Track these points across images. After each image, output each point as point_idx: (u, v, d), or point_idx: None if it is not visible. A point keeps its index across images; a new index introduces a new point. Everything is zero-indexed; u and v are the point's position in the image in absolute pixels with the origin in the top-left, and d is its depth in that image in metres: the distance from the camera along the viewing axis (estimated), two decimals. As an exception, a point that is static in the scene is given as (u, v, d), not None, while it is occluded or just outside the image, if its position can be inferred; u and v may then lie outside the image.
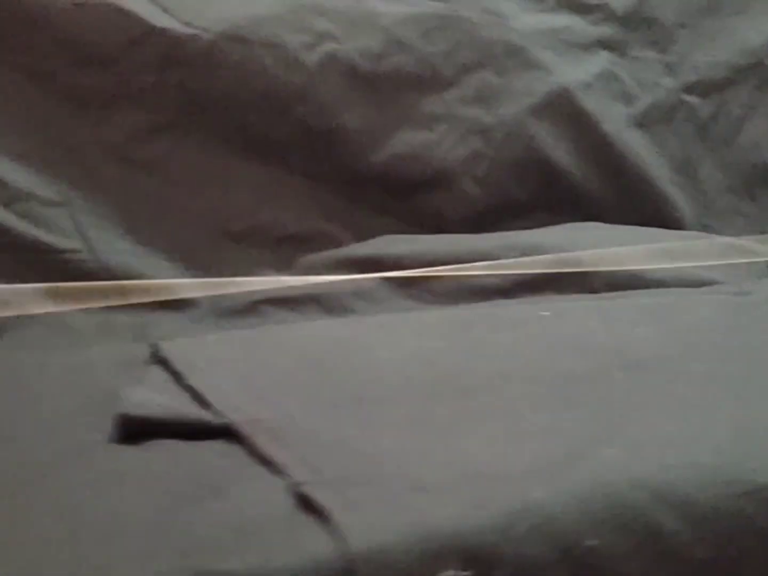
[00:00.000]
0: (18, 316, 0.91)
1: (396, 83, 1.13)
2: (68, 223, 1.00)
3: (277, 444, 0.48)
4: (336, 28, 1.11)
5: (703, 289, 0.98)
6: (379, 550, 0.37)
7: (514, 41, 1.20)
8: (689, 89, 1.27)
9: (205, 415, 0.55)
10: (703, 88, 1.28)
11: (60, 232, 0.99)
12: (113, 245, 1.01)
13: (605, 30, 1.29)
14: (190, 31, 1.05)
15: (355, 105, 1.11)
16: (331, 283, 1.02)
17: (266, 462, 0.47)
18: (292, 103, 1.09)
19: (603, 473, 0.43)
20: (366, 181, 1.12)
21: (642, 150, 1.24)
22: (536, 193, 1.17)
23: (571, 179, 1.18)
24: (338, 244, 1.09)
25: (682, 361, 0.61)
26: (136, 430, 0.53)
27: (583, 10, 1.28)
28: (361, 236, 1.10)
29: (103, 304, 0.94)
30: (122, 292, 0.97)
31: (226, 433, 0.53)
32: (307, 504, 0.41)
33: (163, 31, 1.03)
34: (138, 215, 1.04)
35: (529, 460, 0.44)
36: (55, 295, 0.95)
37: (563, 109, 1.19)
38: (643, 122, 1.26)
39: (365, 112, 1.12)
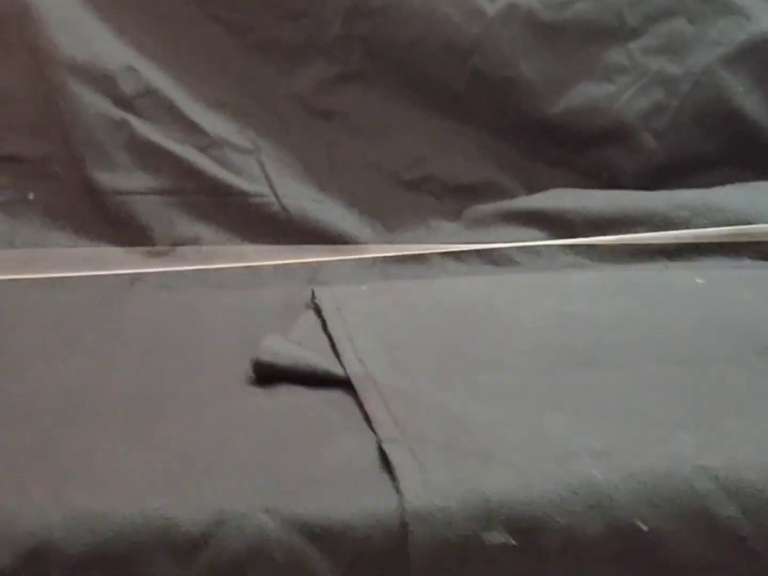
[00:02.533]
0: (205, 252, 1.01)
1: (577, 33, 1.11)
2: (256, 169, 1.08)
3: (381, 403, 0.53)
4: (519, -24, 1.11)
5: None
6: (431, 511, 0.41)
7: (711, -16, 1.14)
8: None
9: (329, 366, 0.61)
10: None
11: (248, 177, 1.07)
12: (295, 190, 1.09)
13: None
14: (374, -16, 1.09)
15: (534, 55, 1.11)
16: (496, 234, 1.05)
17: (367, 418, 0.52)
18: (471, 52, 1.11)
19: (670, 460, 0.44)
20: (540, 133, 1.12)
21: None
22: (723, 147, 1.12)
23: (763, 132, 1.12)
24: (508, 196, 1.11)
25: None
26: (266, 374, 0.59)
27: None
28: (532, 189, 1.11)
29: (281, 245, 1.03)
30: (299, 234, 1.05)
31: (343, 385, 0.58)
32: (384, 461, 0.46)
33: (348, -14, 1.08)
34: (319, 163, 1.11)
35: (601, 439, 0.46)
36: (242, 234, 1.05)
37: (761, 58, 1.12)
38: None
39: (544, 62, 1.11)
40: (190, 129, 1.07)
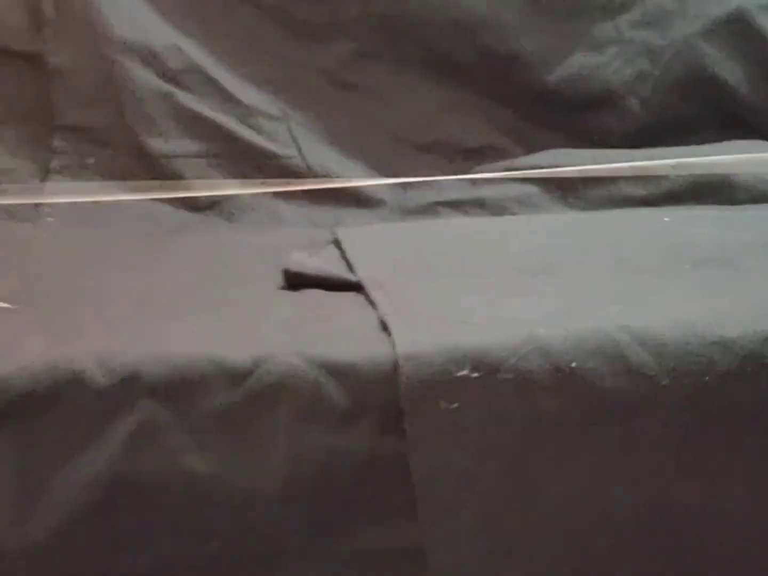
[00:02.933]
0: (244, 205, 1.16)
1: (571, 9, 1.24)
2: (285, 134, 1.22)
3: (386, 297, 0.67)
4: (517, -41, 1.24)
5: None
6: (416, 355, 0.56)
7: (691, -38, 1.26)
8: None
9: (346, 276, 0.75)
10: None
11: (279, 141, 1.21)
12: (320, 153, 1.23)
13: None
14: (390, -31, 1.22)
15: (533, 30, 1.24)
16: (497, 189, 1.19)
17: (372, 305, 0.66)
18: (477, 29, 1.24)
19: (601, 322, 0.58)
20: (539, 99, 1.25)
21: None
22: (702, 112, 1.24)
23: (739, 97, 1.24)
24: (510, 157, 1.24)
25: (737, 259, 0.72)
26: (293, 281, 0.74)
27: None
28: (531, 150, 1.24)
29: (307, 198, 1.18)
30: (324, 189, 1.19)
31: (356, 288, 0.72)
32: (384, 326, 0.60)
33: (367, -29, 1.22)
34: (341, 128, 1.24)
35: (554, 311, 0.60)
36: (271, 189, 1.19)
37: (736, 29, 1.24)
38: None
39: (542, 36, 1.24)
40: (228, 100, 1.21)
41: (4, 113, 1.19)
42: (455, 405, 0.55)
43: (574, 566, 0.56)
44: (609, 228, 0.92)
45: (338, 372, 0.56)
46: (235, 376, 0.55)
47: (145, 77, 1.18)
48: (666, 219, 0.95)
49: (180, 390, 0.54)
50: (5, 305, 0.69)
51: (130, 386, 0.54)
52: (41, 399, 0.53)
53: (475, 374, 0.55)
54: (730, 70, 1.24)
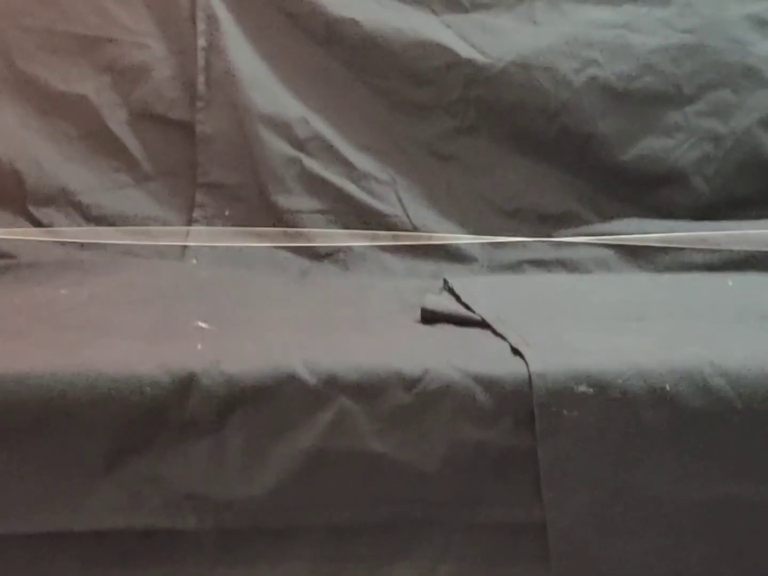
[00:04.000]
0: (357, 256, 1.35)
1: (644, 99, 1.41)
2: (393, 197, 1.41)
3: (507, 329, 0.85)
4: (599, 56, 1.43)
5: None
6: (545, 373, 0.73)
7: (752, 64, 1.44)
8: None
9: (471, 315, 0.93)
10: None
11: (387, 202, 1.39)
12: (422, 213, 1.41)
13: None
14: (488, 60, 1.41)
15: (610, 116, 1.41)
16: (577, 252, 1.36)
17: (499, 336, 0.84)
18: (560, 113, 1.42)
19: (688, 355, 0.75)
20: (614, 175, 1.42)
21: None
22: (759, 191, 1.41)
23: (791, 180, 1.41)
24: (587, 224, 1.42)
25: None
26: (430, 317, 0.92)
27: (823, 35, 1.48)
28: (606, 219, 1.41)
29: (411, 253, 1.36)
30: (426, 246, 1.38)
31: (480, 324, 0.90)
32: (515, 352, 0.77)
33: (468, 61, 1.40)
34: (441, 193, 1.42)
35: (649, 345, 0.78)
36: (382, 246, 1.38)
37: (790, 121, 1.42)
38: None
39: (617, 121, 1.41)
40: (345, 165, 1.40)
41: (154, 169, 1.40)
42: (575, 413, 0.72)
43: (663, 542, 0.72)
44: (679, 287, 1.09)
45: (486, 382, 0.73)
46: (408, 382, 0.72)
47: (276, 144, 1.38)
48: (730, 283, 1.12)
49: (367, 390, 0.72)
50: (204, 325, 0.88)
51: (331, 385, 0.71)
52: (264, 391, 0.71)
53: (591, 390, 0.72)
54: (784, 156, 1.41)
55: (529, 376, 0.73)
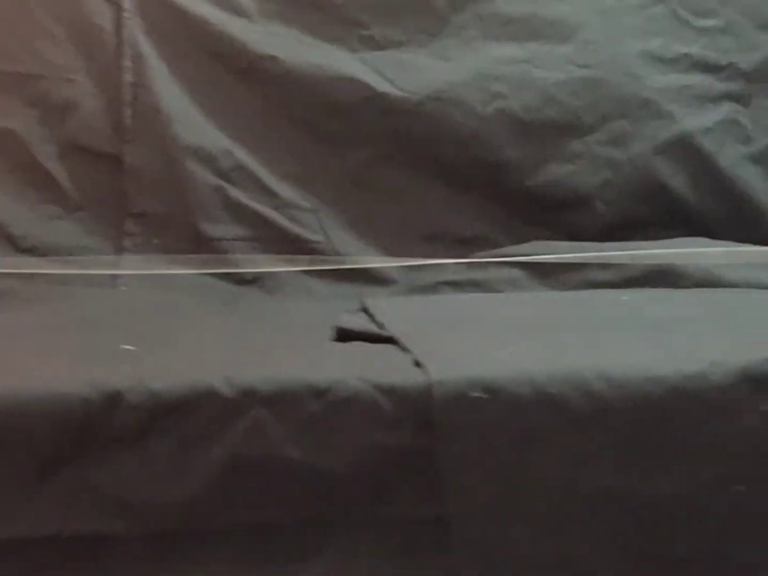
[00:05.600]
0: (282, 281, 1.42)
1: (548, 129, 1.51)
2: (315, 224, 1.47)
3: (414, 344, 0.92)
4: (506, 89, 1.52)
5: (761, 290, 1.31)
6: (444, 381, 0.80)
7: (647, 96, 1.55)
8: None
9: (381, 332, 1.00)
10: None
11: (310, 229, 1.46)
12: (344, 239, 1.48)
13: (732, 85, 1.57)
14: (403, 94, 1.48)
15: (517, 144, 1.50)
16: (489, 272, 1.45)
17: (406, 350, 0.91)
18: (471, 143, 1.51)
19: (574, 362, 0.84)
20: (522, 200, 1.51)
21: (754, 181, 1.56)
22: (654, 214, 1.52)
23: (685, 203, 1.51)
24: (499, 246, 1.50)
25: (674, 325, 0.99)
26: (343, 336, 0.99)
27: (713, 69, 1.58)
28: (517, 241, 1.51)
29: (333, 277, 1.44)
30: (348, 270, 1.45)
31: (389, 340, 0.97)
32: (417, 363, 0.85)
33: (383, 95, 1.48)
34: (361, 219, 1.50)
35: (540, 354, 0.86)
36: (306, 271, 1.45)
37: (683, 149, 1.53)
38: (759, 159, 1.57)
39: (524, 150, 1.50)
40: (269, 194, 1.47)
41: (84, 200, 1.45)
42: (471, 416, 0.79)
43: (552, 528, 0.80)
44: (579, 302, 1.19)
45: (388, 391, 0.81)
46: (318, 392, 0.79)
47: (202, 174, 1.44)
48: (624, 297, 1.22)
49: (281, 400, 0.78)
50: (131, 347, 0.94)
51: (248, 397, 0.78)
52: (185, 404, 0.78)
53: (485, 396, 0.80)
54: (677, 180, 1.52)
55: (430, 383, 0.81)
